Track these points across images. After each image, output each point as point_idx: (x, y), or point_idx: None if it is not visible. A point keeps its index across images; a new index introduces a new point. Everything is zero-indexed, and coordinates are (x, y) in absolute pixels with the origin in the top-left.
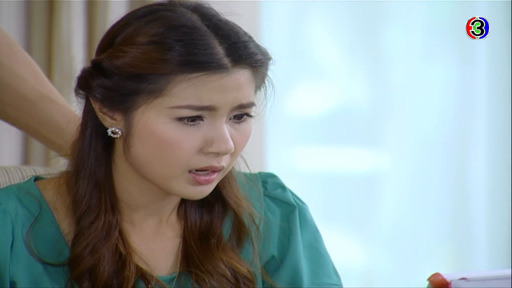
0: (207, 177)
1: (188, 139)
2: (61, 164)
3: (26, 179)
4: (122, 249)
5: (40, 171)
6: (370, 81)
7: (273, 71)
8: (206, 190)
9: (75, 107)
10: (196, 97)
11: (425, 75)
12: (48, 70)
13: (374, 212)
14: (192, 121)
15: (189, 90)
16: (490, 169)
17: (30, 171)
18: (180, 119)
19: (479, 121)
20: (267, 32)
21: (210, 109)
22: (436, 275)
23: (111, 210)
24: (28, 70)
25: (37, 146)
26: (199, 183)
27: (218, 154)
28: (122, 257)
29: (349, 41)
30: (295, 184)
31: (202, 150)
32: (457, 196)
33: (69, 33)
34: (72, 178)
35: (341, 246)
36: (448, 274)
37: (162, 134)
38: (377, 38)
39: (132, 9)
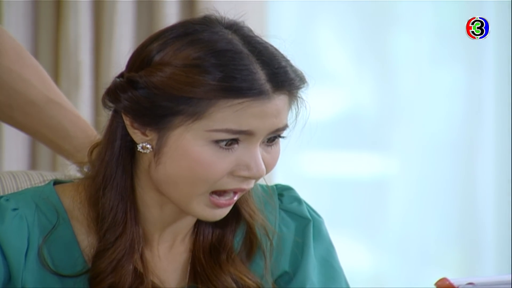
0: (227, 201)
1: (222, 162)
2: (69, 169)
3: (33, 184)
4: (140, 265)
5: (47, 176)
6: (378, 86)
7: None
8: (224, 212)
9: (82, 112)
10: (235, 122)
11: (433, 80)
12: (55, 75)
13: (381, 216)
14: (228, 145)
15: (229, 115)
16: (498, 174)
17: (37, 176)
18: (217, 142)
19: (487, 126)
20: (274, 36)
21: (248, 133)
22: (443, 280)
23: (135, 225)
24: (36, 75)
25: (44, 151)
26: (218, 206)
27: (248, 178)
28: (139, 274)
29: (356, 46)
30: (303, 189)
31: (232, 173)
32: (464, 201)
33: (76, 38)
34: (98, 191)
35: (348, 251)
36: (455, 279)
37: (197, 156)
38: (384, 43)
39: (139, 16)
